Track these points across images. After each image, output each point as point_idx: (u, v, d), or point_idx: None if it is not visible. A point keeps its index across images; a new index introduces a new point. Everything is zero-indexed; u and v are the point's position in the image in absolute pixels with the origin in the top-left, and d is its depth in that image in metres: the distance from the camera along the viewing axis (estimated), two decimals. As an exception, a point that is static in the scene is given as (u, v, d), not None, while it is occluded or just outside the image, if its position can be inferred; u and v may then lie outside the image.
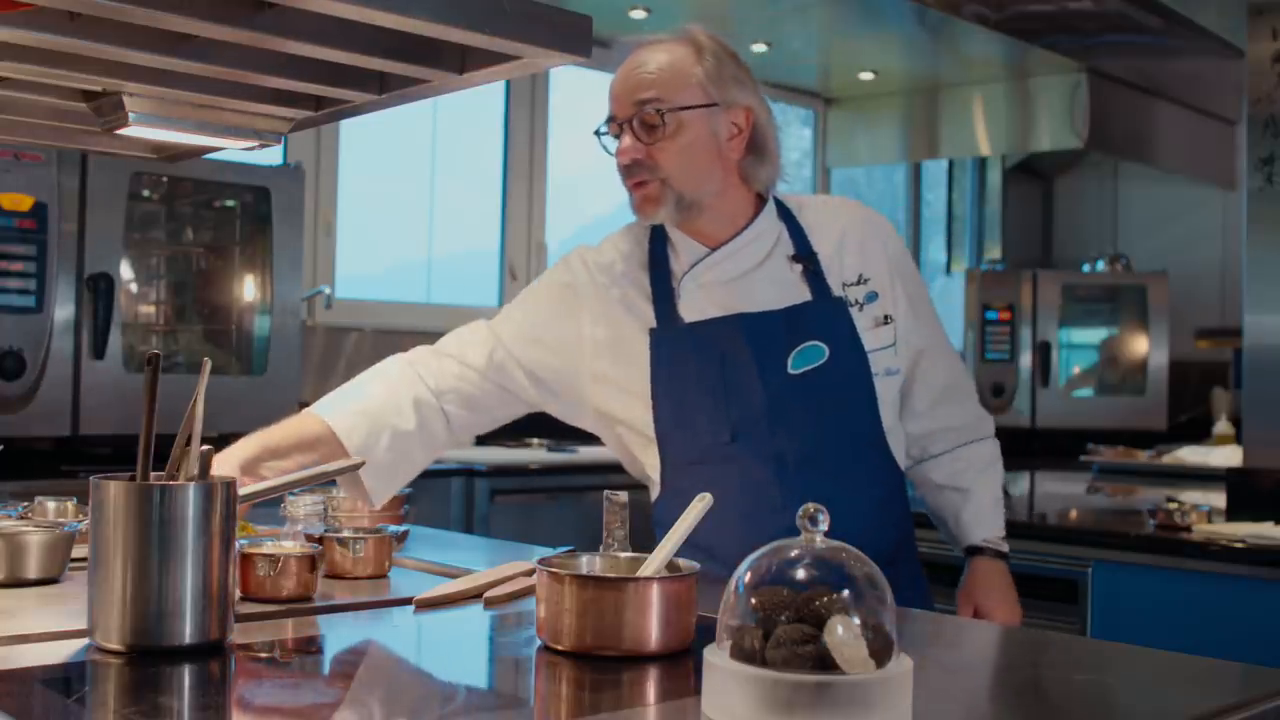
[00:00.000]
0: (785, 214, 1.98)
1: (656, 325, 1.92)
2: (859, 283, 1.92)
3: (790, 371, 1.87)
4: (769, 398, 1.86)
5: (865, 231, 1.98)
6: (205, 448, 1.34)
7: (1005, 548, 2.08)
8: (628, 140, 1.86)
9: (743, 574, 1.07)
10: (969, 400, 2.11)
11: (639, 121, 1.85)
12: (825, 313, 1.89)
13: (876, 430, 1.92)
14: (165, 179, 3.56)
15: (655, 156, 1.85)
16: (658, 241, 1.97)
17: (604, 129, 1.91)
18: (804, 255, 1.93)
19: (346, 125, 4.45)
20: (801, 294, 1.91)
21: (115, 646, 1.26)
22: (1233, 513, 2.92)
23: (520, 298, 2.05)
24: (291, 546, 1.58)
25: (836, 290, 1.92)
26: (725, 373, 1.87)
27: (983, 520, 2.07)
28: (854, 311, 1.91)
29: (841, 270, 1.93)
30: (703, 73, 1.87)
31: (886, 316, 1.93)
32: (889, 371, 1.92)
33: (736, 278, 1.92)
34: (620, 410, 1.94)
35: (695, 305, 1.92)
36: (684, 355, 1.90)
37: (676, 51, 1.88)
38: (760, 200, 1.96)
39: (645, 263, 1.96)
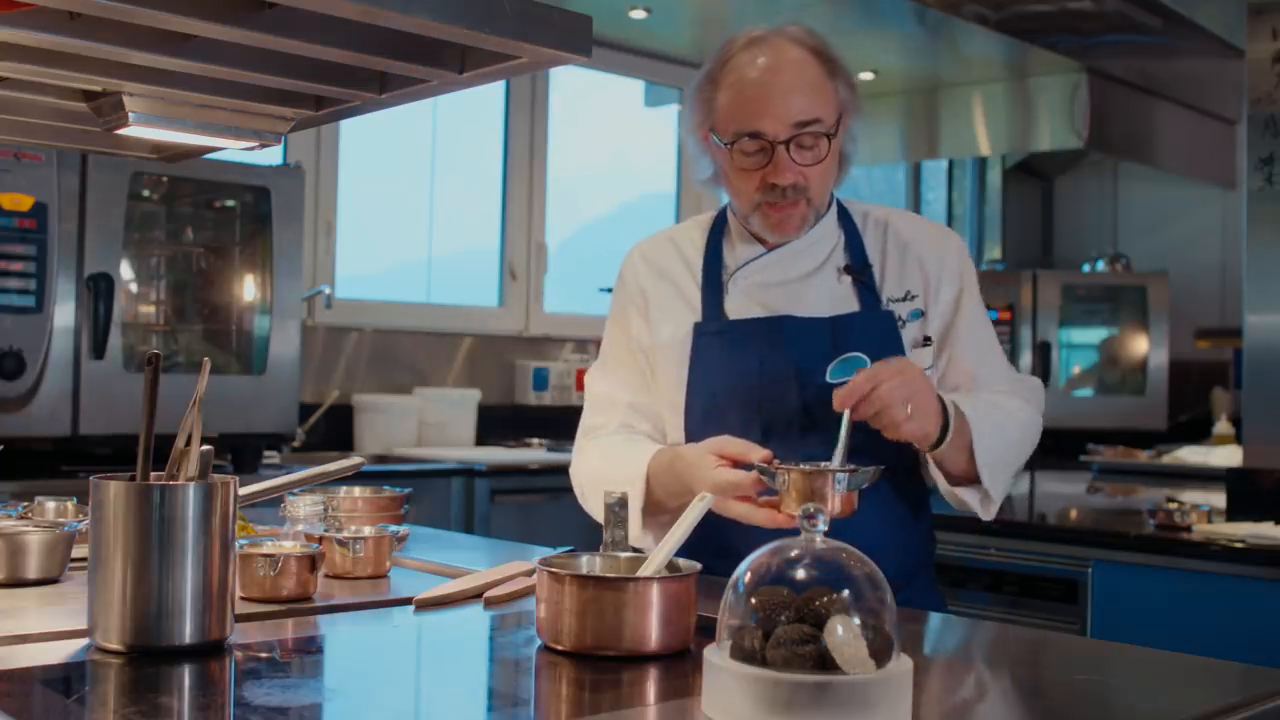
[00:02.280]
0: (846, 221, 1.95)
1: (701, 319, 1.93)
2: (905, 299, 1.90)
3: (829, 380, 1.84)
4: (803, 403, 1.85)
5: (924, 248, 1.94)
6: (205, 448, 1.34)
7: (959, 412, 1.76)
8: (786, 161, 1.80)
9: (743, 574, 1.07)
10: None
11: (797, 144, 1.80)
12: (872, 326, 1.87)
13: (907, 450, 1.87)
14: (165, 179, 3.56)
15: (808, 177, 1.83)
16: (715, 233, 1.98)
17: (727, 141, 1.83)
18: (858, 267, 1.91)
19: (346, 125, 4.45)
20: (850, 304, 1.90)
21: (115, 646, 1.26)
22: (1233, 513, 2.92)
23: (600, 361, 2.08)
24: (291, 546, 1.57)
25: (885, 305, 1.89)
26: (763, 374, 1.86)
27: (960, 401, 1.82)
28: (900, 328, 1.88)
29: (889, 285, 1.91)
30: (839, 89, 1.86)
31: (926, 338, 1.90)
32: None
33: (787, 281, 1.91)
34: (660, 390, 1.97)
35: (742, 303, 1.92)
36: (724, 352, 1.90)
37: (813, 64, 1.83)
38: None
39: (702, 253, 1.97)
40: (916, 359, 1.88)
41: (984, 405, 1.83)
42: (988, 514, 1.87)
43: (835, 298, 1.90)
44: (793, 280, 1.91)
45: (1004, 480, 1.86)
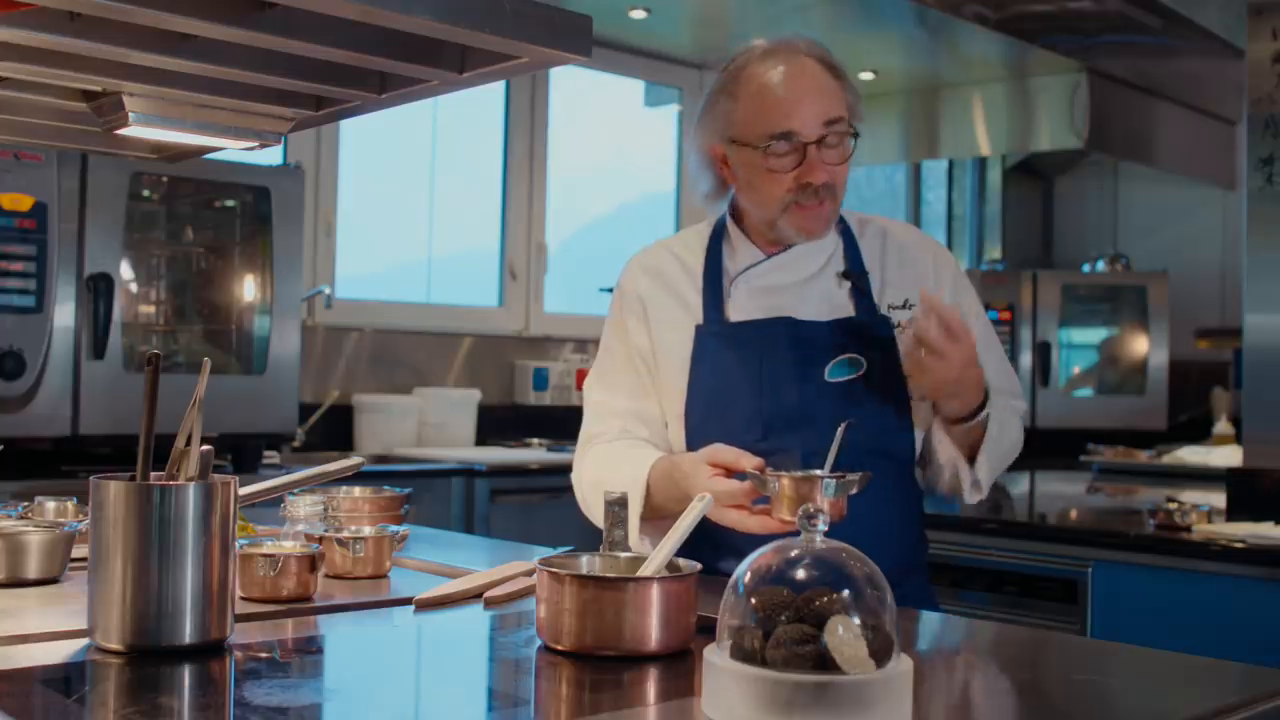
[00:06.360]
0: (845, 229, 2.00)
1: (703, 322, 1.95)
2: (904, 306, 1.95)
3: (827, 380, 1.88)
4: (803, 401, 1.88)
5: (919, 258, 2.00)
6: (205, 448, 1.34)
7: (987, 398, 1.87)
8: (818, 160, 1.85)
9: (743, 574, 1.07)
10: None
11: (825, 144, 1.85)
12: (868, 329, 1.91)
13: (904, 450, 1.94)
14: (165, 179, 3.56)
15: (835, 177, 1.88)
16: (714, 241, 2.01)
17: (760, 145, 1.86)
18: (855, 272, 1.95)
19: (346, 125, 4.45)
20: (847, 309, 1.94)
21: (115, 646, 1.26)
22: (1233, 513, 2.92)
23: (598, 369, 2.06)
24: (291, 546, 1.58)
25: (882, 310, 1.94)
26: (764, 372, 1.90)
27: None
28: (897, 333, 1.92)
29: (889, 292, 1.96)
30: (848, 95, 1.92)
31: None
32: (923, 397, 1.91)
33: (787, 285, 1.95)
34: (663, 399, 1.98)
35: (743, 307, 1.95)
36: (726, 352, 1.93)
37: (825, 71, 1.90)
38: None
39: (702, 261, 2.00)
40: None
41: (996, 408, 1.90)
42: (973, 498, 1.95)
43: (834, 301, 1.94)
44: (793, 284, 1.95)
45: (993, 475, 1.96)
